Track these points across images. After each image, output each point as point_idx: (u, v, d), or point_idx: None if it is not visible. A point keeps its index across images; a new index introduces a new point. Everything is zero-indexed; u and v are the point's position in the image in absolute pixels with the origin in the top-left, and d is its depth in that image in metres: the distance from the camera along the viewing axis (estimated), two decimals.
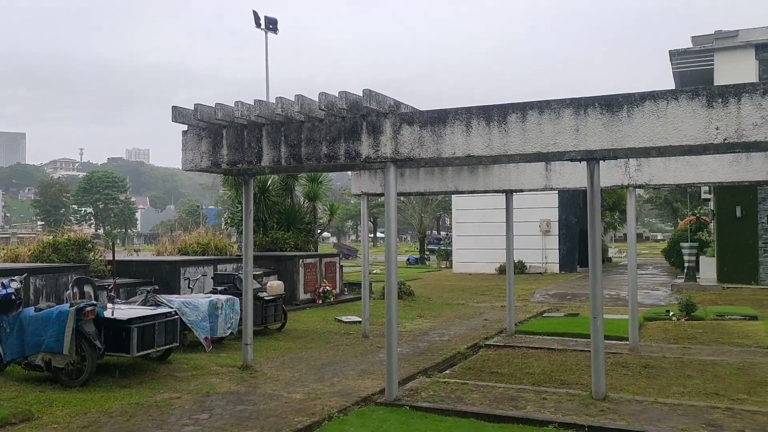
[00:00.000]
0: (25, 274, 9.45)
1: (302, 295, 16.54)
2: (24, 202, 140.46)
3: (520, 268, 28.10)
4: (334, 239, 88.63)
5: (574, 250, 30.11)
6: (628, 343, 10.46)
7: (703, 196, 29.61)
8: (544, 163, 10.25)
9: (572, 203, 29.88)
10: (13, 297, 8.32)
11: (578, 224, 29.85)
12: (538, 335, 11.89)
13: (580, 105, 6.25)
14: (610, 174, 9.86)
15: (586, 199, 7.37)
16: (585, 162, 7.23)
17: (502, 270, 27.54)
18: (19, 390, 7.59)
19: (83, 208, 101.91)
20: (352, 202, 72.82)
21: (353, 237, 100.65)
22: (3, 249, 14.52)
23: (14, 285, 8.41)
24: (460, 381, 8.25)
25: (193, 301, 10.04)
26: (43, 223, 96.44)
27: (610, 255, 41.65)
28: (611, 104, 6.14)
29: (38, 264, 11.46)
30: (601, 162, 7.33)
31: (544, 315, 15.01)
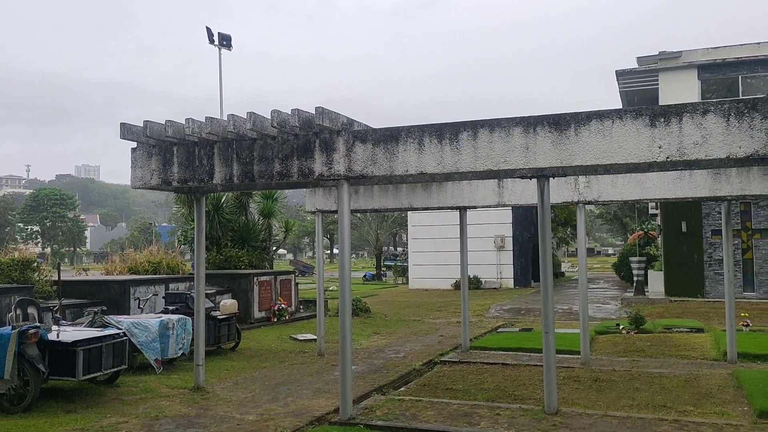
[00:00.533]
0: None
1: (257, 314, 16.31)
2: None
3: (476, 283, 28.40)
4: (290, 256, 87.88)
5: (528, 265, 30.59)
6: (579, 356, 10.64)
7: (651, 211, 30.55)
8: (496, 180, 10.42)
9: (526, 219, 30.42)
10: None
11: (532, 240, 30.37)
12: (492, 351, 11.98)
13: (530, 123, 6.39)
14: (561, 191, 10.07)
15: None
16: (535, 179, 7.37)
17: (457, 286, 27.76)
18: None
19: (29, 227, 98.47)
20: (308, 218, 72.46)
21: (310, 254, 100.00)
22: None
23: None
24: (414, 398, 8.24)
25: (143, 322, 9.79)
26: None
27: (563, 269, 42.45)
28: (559, 123, 6.29)
29: None
30: (551, 179, 7.49)
31: (498, 330, 15.16)
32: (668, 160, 6.06)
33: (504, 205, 10.88)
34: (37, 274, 12.83)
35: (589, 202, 10.27)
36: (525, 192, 10.31)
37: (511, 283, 29.78)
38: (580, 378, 9.40)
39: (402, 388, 9.22)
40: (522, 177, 7.25)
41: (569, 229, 39.92)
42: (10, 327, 7.80)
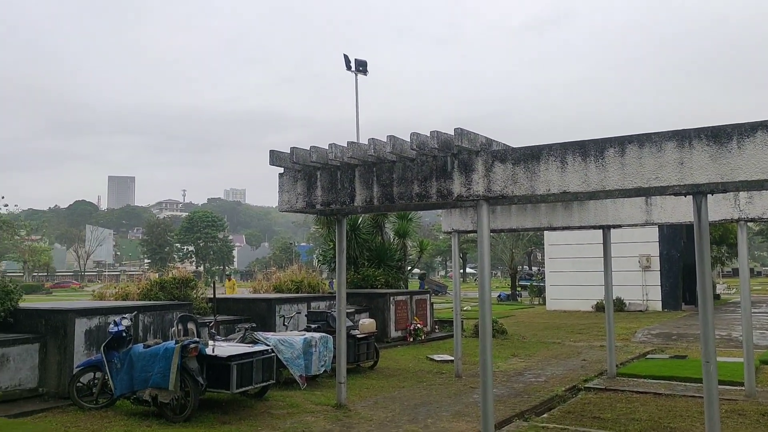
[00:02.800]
0: (135, 312, 9.98)
1: (393, 333, 16.51)
2: (133, 241, 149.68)
3: (619, 305, 26.84)
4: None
5: (678, 286, 28.46)
6: (743, 388, 9.71)
7: None
8: (644, 197, 9.83)
9: (674, 237, 28.37)
10: (124, 334, 8.82)
11: (682, 259, 28.27)
12: (642, 378, 11.25)
13: (684, 137, 5.97)
14: (718, 207, 9.32)
15: (689, 232, 6.96)
16: (691, 196, 6.86)
17: (599, 307, 26.43)
18: (127, 424, 7.96)
19: (185, 247, 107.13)
20: (440, 237, 72.64)
21: (442, 273, 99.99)
22: (115, 287, 15.44)
23: (125, 323, 8.92)
24: (559, 426, 7.91)
25: (288, 339, 10.23)
26: (149, 260, 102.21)
27: (718, 291, 39.07)
28: (719, 135, 5.82)
29: (146, 302, 12.08)
30: (708, 195, 6.93)
31: (647, 356, 14.22)
32: None
33: (653, 224, 10.24)
34: (194, 291, 13.86)
35: (752, 220, 9.41)
36: (676, 209, 9.64)
37: (658, 306, 27.86)
38: (745, 412, 8.57)
39: (545, 415, 8.88)
40: (675, 194, 6.78)
41: (724, 248, 36.77)
42: (174, 341, 8.47)
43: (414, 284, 31.07)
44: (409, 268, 23.95)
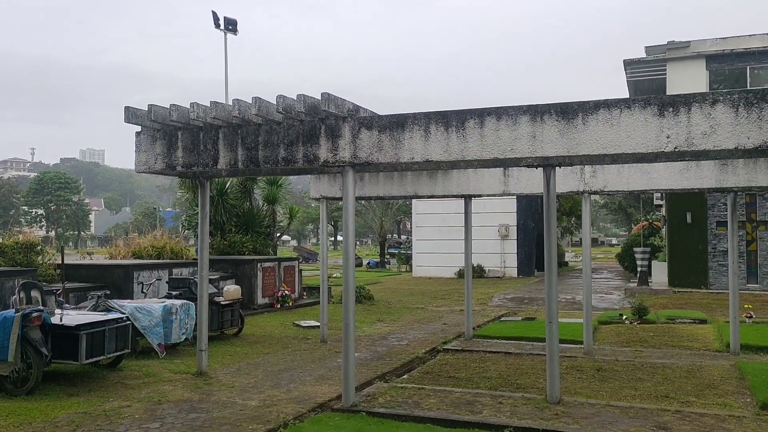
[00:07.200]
0: None
1: (260, 300, 16.34)
2: None
3: (479, 272, 28.39)
4: (294, 242, 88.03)
5: (532, 254, 30.56)
6: (582, 346, 10.63)
7: (656, 202, 30.41)
8: (502, 168, 10.36)
9: (530, 208, 30.35)
10: None
11: (536, 229, 30.32)
12: (495, 339, 11.98)
13: (537, 112, 6.33)
14: (566, 180, 10.01)
15: (543, 204, 7.45)
16: (542, 168, 7.31)
17: (461, 274, 27.77)
18: None
19: (34, 210, 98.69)
20: (312, 205, 72.44)
21: (314, 240, 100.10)
22: None
23: None
24: (417, 386, 8.24)
25: (146, 307, 9.80)
26: None
27: (566, 259, 42.39)
28: (567, 112, 6.23)
29: None
30: (557, 168, 7.43)
31: (501, 319, 15.16)
32: (676, 150, 6.00)
33: (509, 194, 10.83)
34: (40, 257, 12.86)
35: (595, 192, 10.21)
36: (531, 181, 10.25)
37: (514, 272, 29.76)
38: (583, 368, 9.40)
39: (405, 376, 9.22)
40: (528, 166, 7.20)
41: (573, 219, 39.84)
42: (14, 310, 7.82)
43: (284, 251, 30.86)
44: (278, 234, 23.72)
